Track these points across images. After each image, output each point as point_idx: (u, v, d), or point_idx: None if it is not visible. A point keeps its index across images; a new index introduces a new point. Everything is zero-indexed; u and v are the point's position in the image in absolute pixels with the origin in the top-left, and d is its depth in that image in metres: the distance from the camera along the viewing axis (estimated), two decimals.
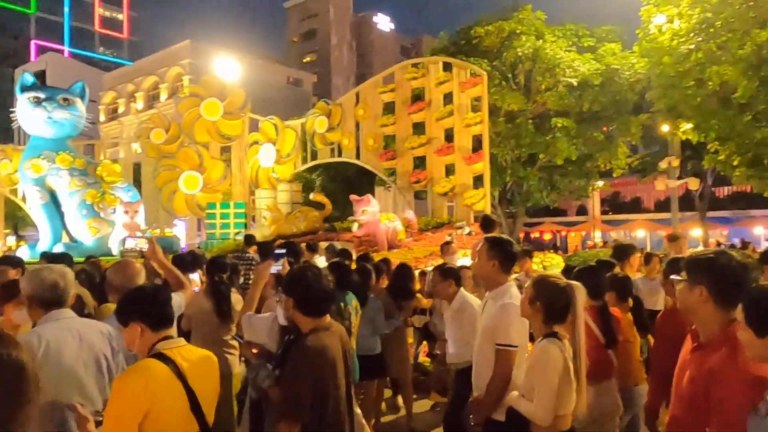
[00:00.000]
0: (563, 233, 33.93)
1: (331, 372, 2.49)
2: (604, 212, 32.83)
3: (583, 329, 2.72)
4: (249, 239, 9.17)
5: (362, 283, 5.04)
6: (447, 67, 15.46)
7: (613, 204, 33.85)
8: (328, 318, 2.65)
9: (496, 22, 18.46)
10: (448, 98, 15.30)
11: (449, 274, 4.52)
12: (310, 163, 18.01)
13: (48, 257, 5.53)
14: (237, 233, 16.05)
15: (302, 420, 2.38)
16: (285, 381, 2.49)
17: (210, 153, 17.52)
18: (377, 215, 12.01)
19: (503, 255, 3.18)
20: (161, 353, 2.22)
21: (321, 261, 7.31)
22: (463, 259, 8.25)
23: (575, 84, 16.96)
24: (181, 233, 21.20)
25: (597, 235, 31.08)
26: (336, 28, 78.62)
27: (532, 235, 33.34)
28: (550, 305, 2.70)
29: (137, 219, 15.32)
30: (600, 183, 23.01)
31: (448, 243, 8.23)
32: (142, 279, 3.35)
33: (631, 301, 4.28)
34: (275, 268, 5.69)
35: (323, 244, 9.41)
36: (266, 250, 5.60)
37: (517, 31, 18.07)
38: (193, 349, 2.38)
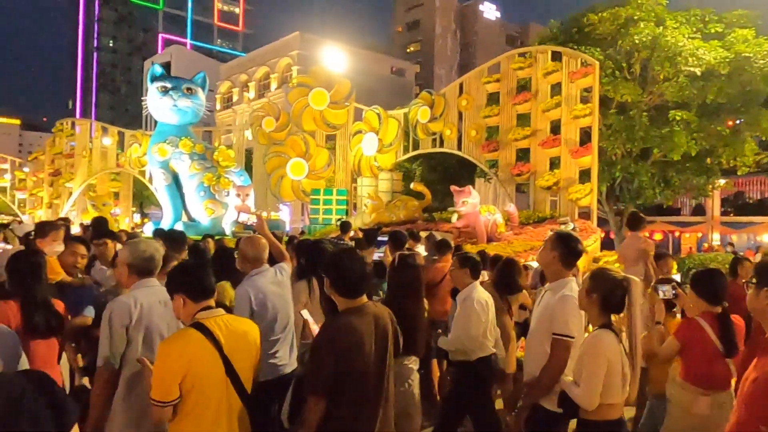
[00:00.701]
0: (676, 234, 31.69)
1: (356, 350, 2.51)
2: (724, 213, 30.25)
3: (639, 323, 2.80)
4: (345, 227, 9.27)
5: None
6: (555, 56, 14.90)
7: (736, 204, 31.09)
8: (363, 299, 2.70)
9: (611, 9, 17.49)
10: (555, 89, 14.77)
11: (466, 263, 4.38)
12: (412, 153, 18.14)
13: (160, 234, 6.01)
14: (339, 219, 16.58)
15: (321, 393, 2.46)
16: (309, 357, 2.60)
17: (316, 141, 18.17)
18: (477, 207, 11.90)
19: (565, 249, 3.23)
20: (199, 322, 2.48)
21: (421, 249, 7.37)
22: None
23: (698, 74, 15.70)
24: (286, 217, 22.25)
25: (715, 238, 28.74)
26: (441, 18, 78.06)
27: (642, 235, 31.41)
28: (606, 297, 2.79)
29: (248, 202, 16.27)
30: (722, 181, 21.20)
31: None
32: (267, 251, 3.86)
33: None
34: (377, 255, 5.85)
35: (423, 234, 9.49)
36: (370, 236, 5.75)
37: (635, 18, 17.00)
38: (231, 319, 2.61)
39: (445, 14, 78.47)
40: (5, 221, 21.33)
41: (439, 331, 5.09)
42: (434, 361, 5.50)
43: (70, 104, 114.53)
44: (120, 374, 2.89)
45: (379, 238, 5.87)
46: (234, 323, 2.60)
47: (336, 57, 20.46)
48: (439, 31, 77.69)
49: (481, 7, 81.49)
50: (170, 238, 5.14)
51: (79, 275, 4.86)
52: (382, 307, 2.81)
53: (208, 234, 10.15)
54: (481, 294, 4.31)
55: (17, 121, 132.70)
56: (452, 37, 79.05)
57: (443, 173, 26.23)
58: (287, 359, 3.82)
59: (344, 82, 18.12)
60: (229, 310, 2.92)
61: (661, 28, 16.60)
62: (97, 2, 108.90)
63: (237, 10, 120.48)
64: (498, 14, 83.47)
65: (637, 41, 16.33)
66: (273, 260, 4.02)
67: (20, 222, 19.18)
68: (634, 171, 17.70)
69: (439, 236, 9.01)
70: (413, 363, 3.83)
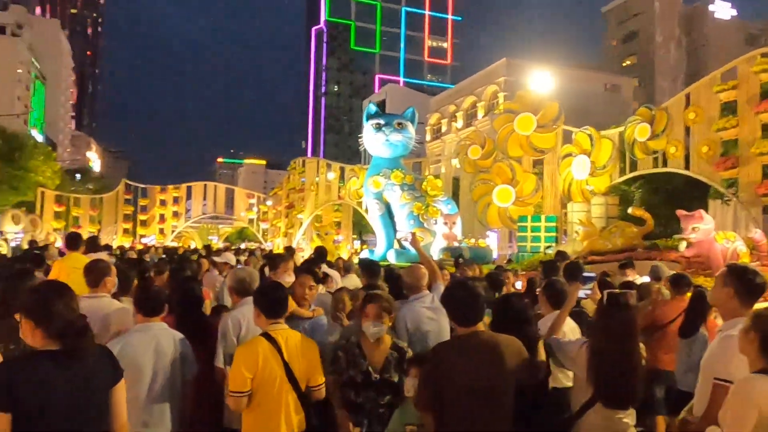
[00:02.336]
0: None
1: (456, 375, 2.90)
2: None
3: None
4: (561, 256, 8.72)
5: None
6: None
7: None
8: (477, 327, 3.03)
9: None
10: None
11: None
12: (629, 175, 16.67)
13: (362, 264, 6.70)
14: (547, 247, 15.89)
15: (426, 408, 3.01)
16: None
17: (522, 167, 17.80)
18: (711, 233, 10.37)
19: (741, 284, 2.92)
20: (268, 333, 3.14)
21: (643, 280, 6.78)
22: None
23: None
24: (494, 244, 22.06)
25: None
26: (662, 25, 71.38)
27: None
28: (765, 338, 2.46)
29: (455, 230, 16.53)
30: None
31: None
32: (426, 279, 4.44)
33: None
34: (584, 292, 5.38)
35: (637, 262, 8.59)
36: (574, 271, 5.33)
37: None
38: (292, 333, 3.24)
39: (667, 21, 71.56)
40: (252, 247, 24.89)
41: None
42: (659, 418, 4.88)
43: (303, 144, 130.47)
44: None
45: (585, 274, 5.39)
46: (294, 337, 3.22)
47: (543, 79, 19.91)
48: (660, 40, 71.01)
49: (711, 8, 72.60)
50: (368, 268, 5.98)
51: (312, 306, 4.65)
52: (505, 338, 3.04)
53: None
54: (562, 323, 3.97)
55: (263, 162, 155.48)
56: (676, 44, 71.63)
57: (667, 196, 23.55)
58: None
59: (552, 104, 17.52)
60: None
61: None
62: (324, 54, 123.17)
63: (445, 45, 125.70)
64: (734, 12, 73.43)
65: None
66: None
67: (262, 249, 22.16)
68: None
69: (664, 267, 8.06)
70: (628, 417, 3.40)
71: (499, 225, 18.28)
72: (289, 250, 10.85)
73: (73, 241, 6.51)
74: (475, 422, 2.85)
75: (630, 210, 15.31)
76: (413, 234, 5.25)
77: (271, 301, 3.24)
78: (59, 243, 18.23)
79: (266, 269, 6.94)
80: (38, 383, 2.06)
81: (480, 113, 47.77)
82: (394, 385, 3.55)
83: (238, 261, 10.52)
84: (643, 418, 3.94)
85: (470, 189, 18.48)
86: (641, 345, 3.43)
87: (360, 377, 3.55)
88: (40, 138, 57.58)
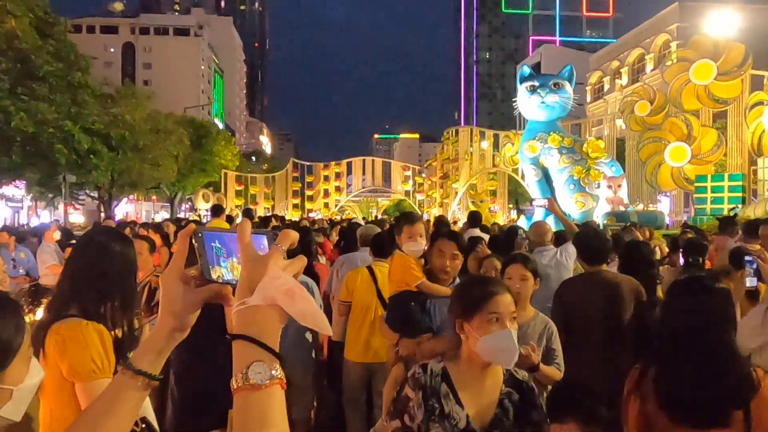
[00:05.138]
0: None
1: (578, 305, 3.39)
2: None
3: None
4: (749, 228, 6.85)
5: None
6: None
7: None
8: (599, 267, 3.51)
9: None
10: None
11: None
12: None
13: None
14: (732, 209, 14.21)
15: None
16: None
17: (700, 121, 16.05)
18: None
19: None
20: (370, 266, 4.34)
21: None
22: None
23: None
24: (666, 208, 20.27)
25: None
26: None
27: None
28: None
29: (620, 193, 15.49)
30: None
31: None
32: (550, 235, 4.93)
33: None
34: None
35: None
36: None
37: None
38: (386, 268, 4.02)
39: None
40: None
41: None
42: None
43: (456, 115, 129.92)
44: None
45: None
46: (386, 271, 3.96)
47: (724, 20, 17.56)
48: None
49: None
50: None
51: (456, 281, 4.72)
52: (624, 277, 3.43)
53: None
54: None
55: (416, 135, 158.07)
56: None
57: None
58: None
59: (736, 47, 15.45)
60: None
61: None
62: (474, 20, 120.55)
63: None
64: None
65: None
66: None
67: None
68: None
69: None
70: None
71: (672, 187, 16.75)
72: (441, 219, 10.87)
73: (216, 211, 8.40)
74: (595, 349, 3.19)
75: None
76: (549, 200, 5.58)
77: (375, 244, 4.46)
78: (239, 219, 20.38)
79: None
80: None
81: (648, 66, 43.51)
82: None
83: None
84: None
85: (638, 149, 17.12)
86: None
87: None
88: (221, 126, 64.51)
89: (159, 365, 0.94)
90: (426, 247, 3.25)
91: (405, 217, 3.53)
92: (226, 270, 0.89)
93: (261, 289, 0.79)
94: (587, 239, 3.66)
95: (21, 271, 7.41)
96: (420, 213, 32.73)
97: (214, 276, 0.88)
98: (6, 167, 17.15)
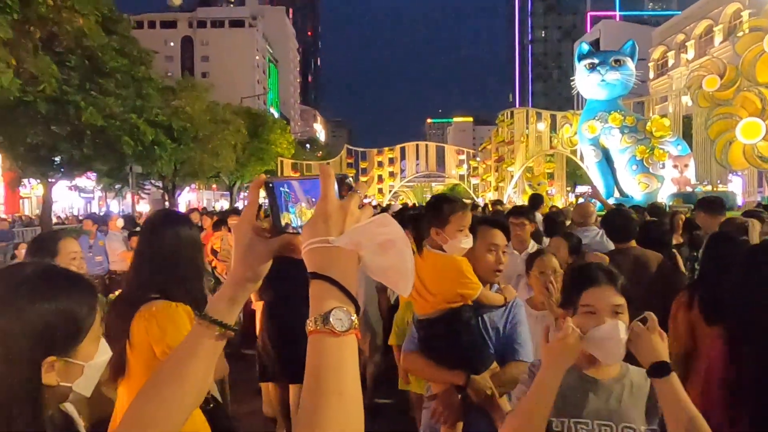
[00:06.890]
0: None
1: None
2: None
3: None
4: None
5: None
6: None
7: None
8: (629, 244, 3.87)
9: None
10: None
11: None
12: None
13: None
14: None
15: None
16: None
17: None
18: None
19: None
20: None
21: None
22: None
23: None
24: (738, 188, 19.22)
25: None
26: None
27: None
28: None
29: (687, 173, 14.81)
30: None
31: None
32: (594, 216, 5.34)
33: None
34: None
35: None
36: None
37: None
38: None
39: None
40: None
41: None
42: None
43: (510, 97, 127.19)
44: None
45: None
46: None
47: None
48: None
49: None
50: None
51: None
52: (651, 252, 3.81)
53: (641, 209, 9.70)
54: None
55: (470, 119, 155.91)
56: None
57: None
58: None
59: None
60: None
61: None
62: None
63: None
64: None
65: None
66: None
67: (475, 205, 22.48)
68: None
69: None
70: None
71: (744, 165, 15.81)
72: (496, 204, 10.65)
73: None
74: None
75: None
76: (594, 187, 6.08)
77: (417, 229, 4.55)
78: None
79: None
80: None
81: (717, 39, 41.06)
82: None
83: None
84: None
85: (706, 126, 16.22)
86: None
87: None
88: (276, 115, 65.74)
89: (232, 315, 0.94)
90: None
91: (448, 202, 2.46)
92: (295, 216, 0.88)
93: (353, 233, 0.77)
94: (611, 218, 4.13)
95: (98, 258, 7.87)
96: (475, 197, 32.35)
97: (282, 222, 0.87)
98: (78, 160, 18.04)
